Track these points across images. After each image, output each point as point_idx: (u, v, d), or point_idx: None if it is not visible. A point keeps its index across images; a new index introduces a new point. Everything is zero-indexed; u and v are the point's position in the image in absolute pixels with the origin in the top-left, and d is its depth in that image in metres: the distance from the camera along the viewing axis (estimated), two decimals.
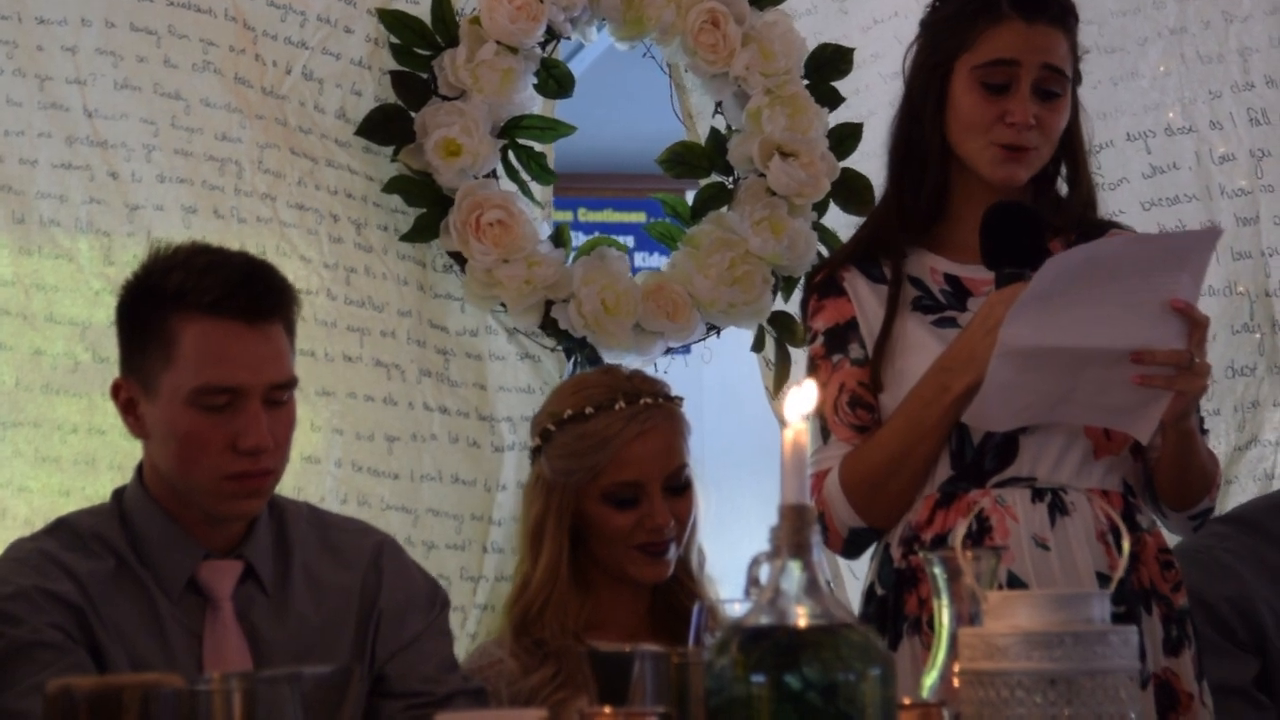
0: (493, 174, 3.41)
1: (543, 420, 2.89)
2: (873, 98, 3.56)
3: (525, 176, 3.45)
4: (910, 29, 2.83)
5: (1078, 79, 2.72)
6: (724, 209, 3.50)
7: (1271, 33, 3.48)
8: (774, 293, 3.50)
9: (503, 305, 3.40)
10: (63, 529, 2.44)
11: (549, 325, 3.42)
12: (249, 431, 2.35)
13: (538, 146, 3.45)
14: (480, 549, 3.44)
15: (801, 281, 3.47)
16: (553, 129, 3.45)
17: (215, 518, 2.41)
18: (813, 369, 2.74)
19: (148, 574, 2.40)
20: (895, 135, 2.74)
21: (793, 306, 3.52)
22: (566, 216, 4.43)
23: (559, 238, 3.44)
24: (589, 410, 2.83)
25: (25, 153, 3.24)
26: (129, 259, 3.10)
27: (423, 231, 3.37)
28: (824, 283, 2.76)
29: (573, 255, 3.46)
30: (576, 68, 3.88)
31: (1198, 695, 2.62)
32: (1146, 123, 3.51)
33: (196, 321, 2.36)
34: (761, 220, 3.44)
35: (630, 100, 3.62)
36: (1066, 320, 2.47)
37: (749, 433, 3.62)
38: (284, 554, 2.48)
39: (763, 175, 3.46)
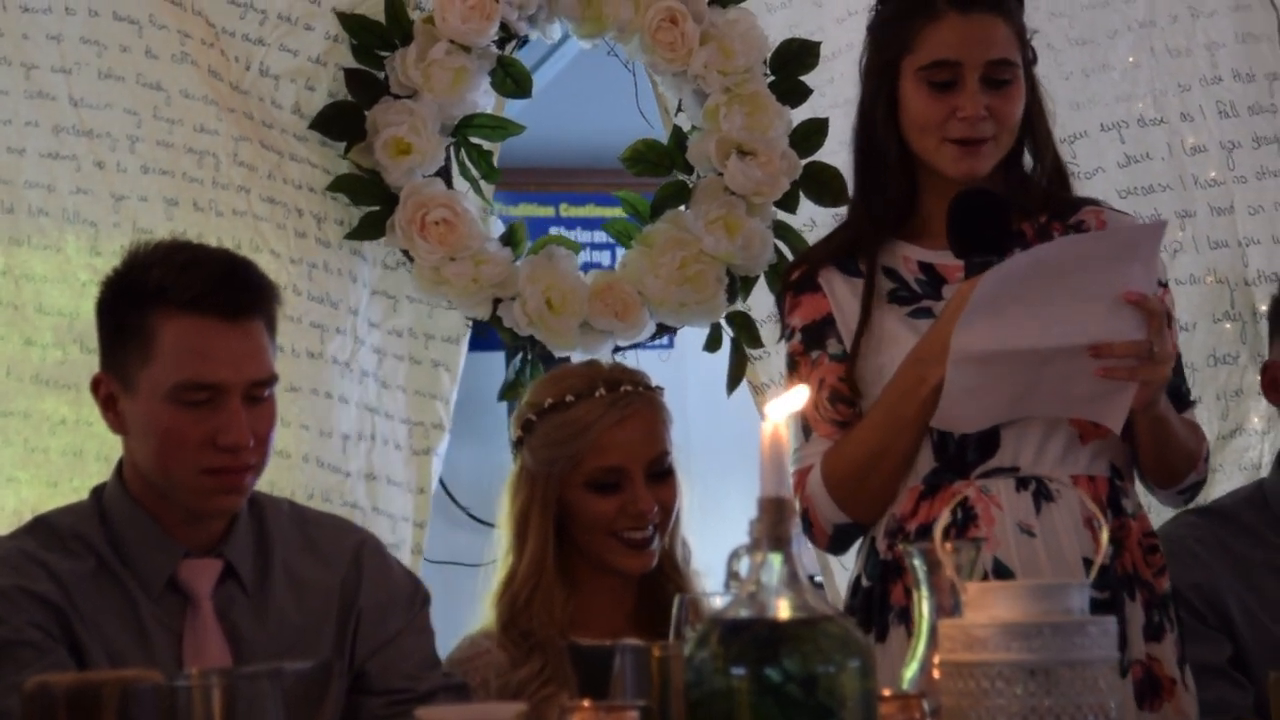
0: (445, 172, 3.43)
1: (524, 412, 2.90)
2: (848, 87, 3.53)
3: (476, 174, 3.46)
4: None
5: (1033, 59, 2.71)
6: (682, 208, 3.50)
7: (1237, 28, 3.50)
8: (732, 292, 3.50)
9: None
10: (42, 528, 2.43)
11: (499, 321, 3.44)
12: (229, 429, 2.35)
13: (486, 145, 3.46)
14: (410, 551, 3.45)
15: (760, 280, 3.49)
16: (502, 128, 3.46)
17: (196, 515, 2.41)
18: (792, 366, 2.74)
19: (127, 573, 2.39)
20: (855, 140, 2.75)
21: (756, 306, 3.53)
22: (549, 212, 4.43)
23: (512, 236, 3.46)
24: (569, 398, 2.84)
25: (13, 141, 3.25)
26: (115, 250, 3.10)
27: (369, 229, 3.40)
28: (800, 279, 2.76)
29: (524, 254, 3.47)
30: (558, 63, 3.87)
31: (1180, 680, 2.63)
32: (1119, 113, 3.52)
33: (176, 318, 2.35)
34: (716, 219, 3.43)
35: (615, 95, 3.61)
36: (1019, 322, 2.47)
37: (734, 427, 3.62)
38: (264, 552, 2.47)
39: (721, 174, 3.46)
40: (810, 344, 2.71)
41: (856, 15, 3.61)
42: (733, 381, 3.52)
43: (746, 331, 3.53)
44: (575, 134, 4.13)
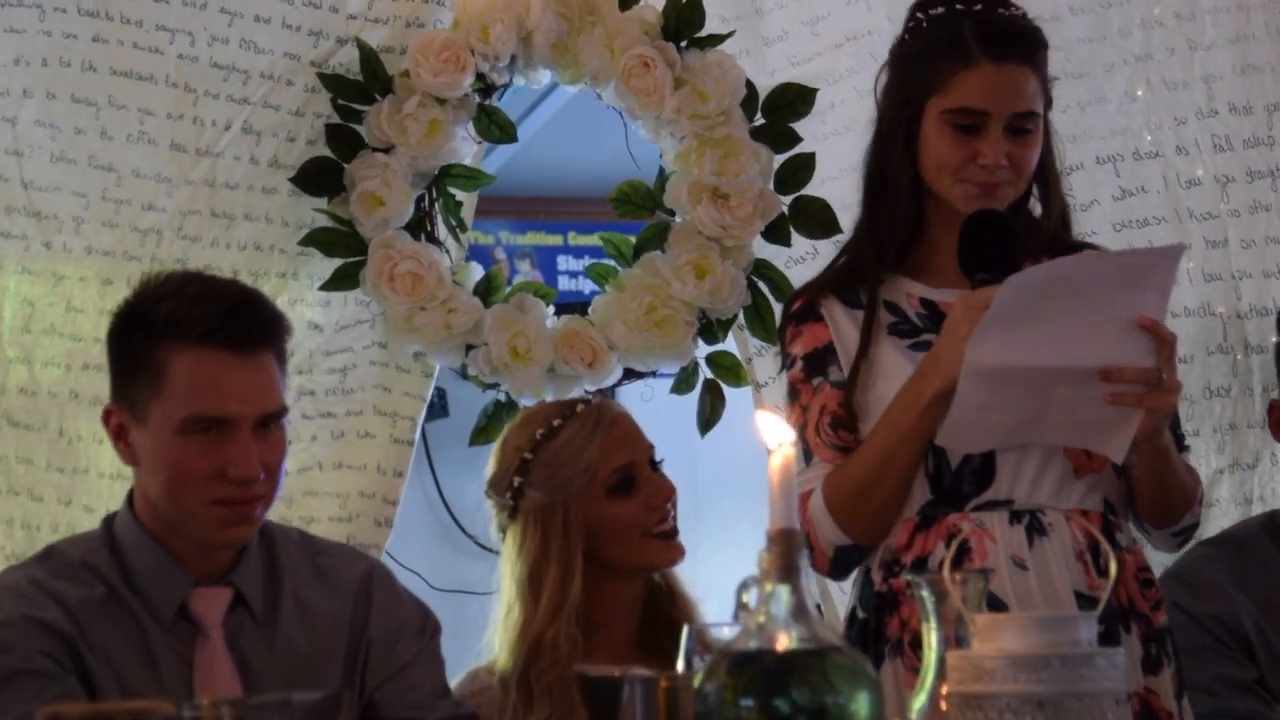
0: (424, 222, 3.46)
1: (512, 458, 2.92)
2: (848, 113, 3.55)
3: (453, 222, 3.50)
4: (883, 46, 2.83)
5: (1049, 104, 2.73)
6: (658, 251, 3.51)
7: (1235, 61, 3.49)
8: (710, 334, 3.50)
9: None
10: (53, 557, 2.44)
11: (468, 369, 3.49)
12: (239, 461, 2.36)
13: (459, 195, 3.50)
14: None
15: (725, 320, 3.50)
16: (474, 179, 3.50)
17: (206, 545, 2.41)
18: (793, 394, 2.75)
19: (138, 602, 2.40)
20: (868, 166, 2.75)
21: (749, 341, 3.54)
22: (557, 240, 4.44)
23: (488, 284, 3.49)
24: (557, 423, 2.92)
25: None
26: (45, 328, 3.23)
27: (344, 280, 3.42)
28: (801, 310, 2.77)
29: (499, 301, 3.50)
30: (567, 91, 3.88)
31: (1177, 714, 2.63)
32: (1115, 146, 3.52)
33: (187, 352, 2.36)
34: (686, 263, 3.43)
35: (624, 123, 3.62)
36: (1033, 339, 2.48)
37: (742, 457, 3.62)
38: (274, 581, 2.48)
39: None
40: (811, 371, 2.73)
41: (855, 40, 3.61)
42: (707, 424, 3.52)
43: (728, 371, 3.53)
44: (585, 162, 4.13)
